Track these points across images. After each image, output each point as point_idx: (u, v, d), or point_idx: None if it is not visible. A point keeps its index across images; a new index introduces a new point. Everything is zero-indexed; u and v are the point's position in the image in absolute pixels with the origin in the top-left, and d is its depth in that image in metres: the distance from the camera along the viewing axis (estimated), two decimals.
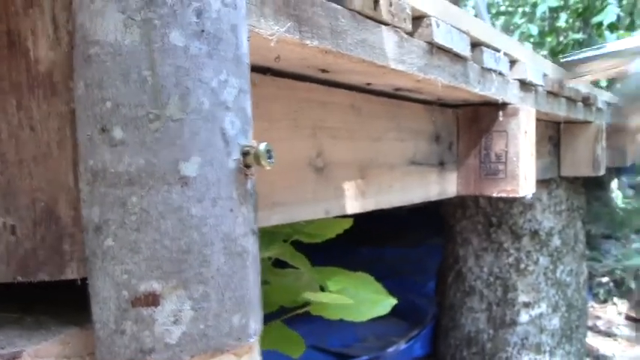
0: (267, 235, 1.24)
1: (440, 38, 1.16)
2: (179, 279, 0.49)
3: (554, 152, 2.42)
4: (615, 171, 4.50)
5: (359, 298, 1.28)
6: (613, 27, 5.70)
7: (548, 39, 6.58)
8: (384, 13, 0.98)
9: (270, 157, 0.53)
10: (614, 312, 3.85)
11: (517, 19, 7.06)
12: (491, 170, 1.58)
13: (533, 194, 1.71)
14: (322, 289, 1.31)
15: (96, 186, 0.49)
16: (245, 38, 0.56)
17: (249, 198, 0.55)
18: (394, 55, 1.03)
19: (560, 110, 2.04)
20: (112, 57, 0.49)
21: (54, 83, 0.51)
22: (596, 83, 3.54)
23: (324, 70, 1.04)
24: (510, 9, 7.69)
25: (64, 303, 0.60)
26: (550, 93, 1.93)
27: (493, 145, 1.59)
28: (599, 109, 2.57)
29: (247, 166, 0.53)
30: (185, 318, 0.49)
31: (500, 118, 1.55)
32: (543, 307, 2.44)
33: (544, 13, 6.42)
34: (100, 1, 0.48)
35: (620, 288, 3.94)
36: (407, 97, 1.42)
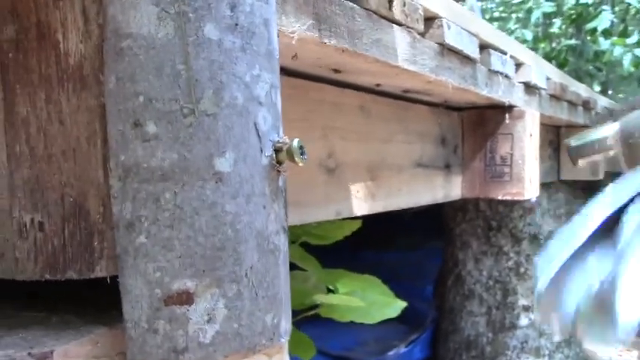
0: None
1: (451, 39, 1.16)
2: (213, 277, 0.48)
3: (554, 156, 2.43)
4: (612, 176, 4.52)
5: (368, 301, 1.27)
6: (607, 33, 5.74)
7: (542, 45, 6.61)
8: (398, 13, 0.97)
9: (302, 154, 0.52)
10: None
11: (511, 25, 7.09)
12: (497, 173, 1.58)
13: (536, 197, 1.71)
14: (330, 291, 1.30)
15: (128, 182, 0.48)
16: (275, 33, 0.55)
17: (281, 195, 0.54)
18: (407, 56, 1.03)
19: (562, 114, 2.04)
20: (145, 50, 0.48)
21: (84, 77, 0.50)
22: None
23: (336, 71, 1.03)
24: (504, 15, 7.72)
25: (87, 301, 0.59)
26: (552, 96, 1.93)
27: (498, 148, 1.59)
28: (598, 114, 2.57)
29: (279, 163, 0.52)
30: (219, 317, 0.48)
31: (507, 121, 1.55)
32: None
33: (538, 19, 6.45)
34: None
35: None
36: (413, 99, 1.42)
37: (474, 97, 1.41)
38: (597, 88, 6.07)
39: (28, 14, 0.51)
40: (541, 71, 1.75)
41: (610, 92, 6.84)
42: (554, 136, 2.41)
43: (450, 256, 2.51)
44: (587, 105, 2.30)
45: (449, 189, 1.61)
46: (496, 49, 1.45)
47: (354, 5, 0.86)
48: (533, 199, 1.63)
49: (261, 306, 0.50)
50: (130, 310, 0.48)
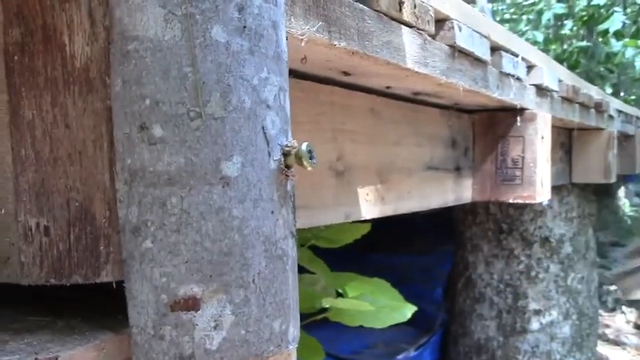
0: None
1: (462, 42, 1.15)
2: (220, 282, 0.47)
3: (565, 159, 2.40)
4: (622, 178, 4.49)
5: (377, 305, 1.26)
6: (619, 35, 5.69)
7: (553, 46, 6.57)
8: (409, 15, 0.97)
9: (312, 158, 0.51)
10: (622, 320, 3.82)
11: (522, 27, 7.05)
12: (508, 176, 1.57)
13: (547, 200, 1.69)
14: (339, 294, 1.29)
15: (134, 186, 0.47)
16: (284, 36, 0.55)
17: (289, 200, 0.53)
18: (418, 58, 1.02)
19: (574, 116, 2.02)
20: (152, 53, 0.47)
21: (90, 79, 0.50)
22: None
23: (346, 73, 1.03)
24: (515, 16, 7.68)
25: (92, 306, 0.59)
26: (564, 99, 1.91)
27: (510, 151, 1.57)
28: (610, 117, 2.55)
29: (288, 167, 0.52)
30: (226, 323, 0.47)
31: (518, 124, 1.53)
32: (554, 315, 2.41)
33: (549, 20, 6.41)
34: None
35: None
36: (424, 101, 1.41)
37: (485, 99, 1.39)
38: (609, 90, 6.02)
39: (34, 17, 0.50)
40: (553, 73, 1.73)
41: (622, 94, 6.79)
42: (565, 138, 2.39)
43: (460, 259, 2.49)
44: (599, 107, 2.28)
45: (459, 192, 1.60)
46: (507, 51, 1.43)
47: (364, 7, 0.85)
48: (545, 203, 1.62)
49: (268, 312, 0.49)
50: (135, 316, 0.48)
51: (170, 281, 0.47)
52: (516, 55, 1.48)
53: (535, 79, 1.61)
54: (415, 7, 0.99)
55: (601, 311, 3.82)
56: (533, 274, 2.40)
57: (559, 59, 5.93)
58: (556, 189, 2.42)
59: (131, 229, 0.48)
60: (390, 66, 0.95)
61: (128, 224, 0.48)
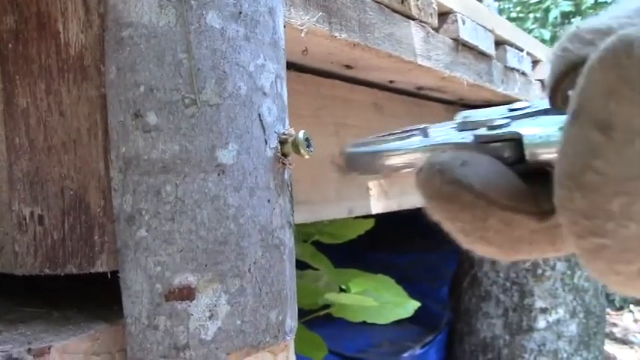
0: None
1: (466, 35, 1.14)
2: (215, 272, 0.46)
3: None
4: None
5: (381, 301, 1.25)
6: None
7: None
8: (411, 7, 0.96)
9: (309, 146, 0.51)
10: (630, 319, 3.80)
11: (529, 25, 7.02)
12: None
13: None
14: (342, 290, 1.28)
15: (128, 174, 0.47)
16: (282, 22, 0.54)
17: (286, 189, 0.52)
18: (420, 51, 1.01)
19: None
20: (146, 39, 0.46)
21: (85, 67, 0.49)
22: None
23: (348, 67, 1.02)
24: (522, 15, 7.65)
25: (89, 297, 0.58)
26: None
27: None
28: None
29: (285, 155, 0.51)
30: (221, 313, 0.47)
31: None
32: (561, 313, 2.40)
33: (556, 18, 6.39)
34: None
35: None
36: (428, 96, 1.40)
37: (489, 94, 1.38)
38: None
39: (27, 4, 0.50)
40: None
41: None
42: None
43: (465, 257, 2.48)
44: None
45: None
46: (512, 45, 1.42)
47: None
48: None
49: (265, 302, 0.49)
50: (130, 306, 0.47)
51: (165, 270, 0.46)
52: (521, 50, 1.47)
53: (541, 74, 1.60)
54: None
55: (608, 310, 3.80)
56: (539, 272, 2.38)
57: None
58: None
59: (126, 218, 0.47)
60: (393, 59, 0.94)
61: (123, 213, 0.47)
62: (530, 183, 0.31)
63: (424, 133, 0.41)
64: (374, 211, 1.17)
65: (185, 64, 0.46)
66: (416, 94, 1.35)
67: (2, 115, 0.50)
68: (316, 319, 1.28)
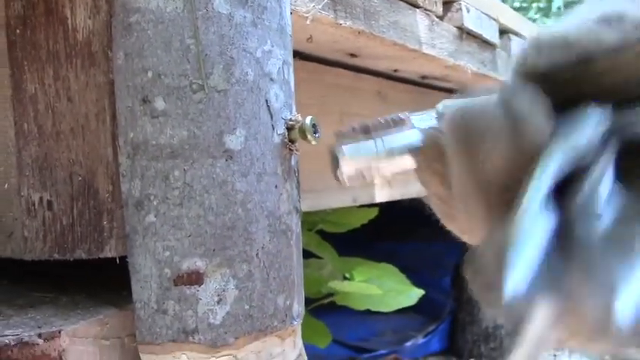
0: None
1: (470, 23, 1.13)
2: (223, 257, 0.47)
3: None
4: None
5: (384, 289, 1.25)
6: None
7: None
8: None
9: (316, 132, 0.51)
10: None
11: (532, 14, 6.99)
12: None
13: None
14: (346, 279, 1.28)
15: (137, 159, 0.47)
16: (288, 9, 0.54)
17: (293, 174, 0.52)
18: (425, 39, 1.00)
19: None
20: (154, 25, 0.47)
21: (92, 53, 0.49)
22: None
23: (353, 55, 1.02)
24: (525, 4, 7.62)
25: (97, 283, 0.59)
26: None
27: None
28: None
29: (292, 141, 0.51)
30: (229, 298, 0.47)
31: None
32: None
33: (559, 8, 6.36)
34: None
35: None
36: (432, 85, 1.40)
37: (493, 83, 1.38)
38: None
39: None
40: None
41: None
42: None
43: (469, 246, 2.48)
44: None
45: None
46: (516, 34, 1.42)
47: None
48: None
49: (272, 287, 0.49)
50: (139, 290, 0.48)
51: (173, 255, 0.46)
52: (525, 39, 1.47)
53: None
54: None
55: None
56: None
57: None
58: None
59: (134, 204, 0.47)
60: (397, 47, 0.94)
61: (131, 198, 0.48)
62: None
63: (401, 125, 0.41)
64: (378, 200, 1.18)
65: (193, 49, 0.46)
66: (420, 83, 1.35)
67: (11, 100, 0.50)
68: (320, 308, 1.29)
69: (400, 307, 1.25)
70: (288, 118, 0.51)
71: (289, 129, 0.51)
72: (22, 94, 0.50)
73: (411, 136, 0.41)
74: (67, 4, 0.49)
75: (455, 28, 1.11)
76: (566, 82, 0.28)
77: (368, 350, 2.12)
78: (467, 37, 1.16)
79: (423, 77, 1.29)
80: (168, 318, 0.47)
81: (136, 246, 0.47)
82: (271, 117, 0.49)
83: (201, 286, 0.46)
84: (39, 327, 0.46)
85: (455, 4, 1.11)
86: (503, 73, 1.33)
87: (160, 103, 0.46)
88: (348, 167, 0.42)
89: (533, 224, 0.24)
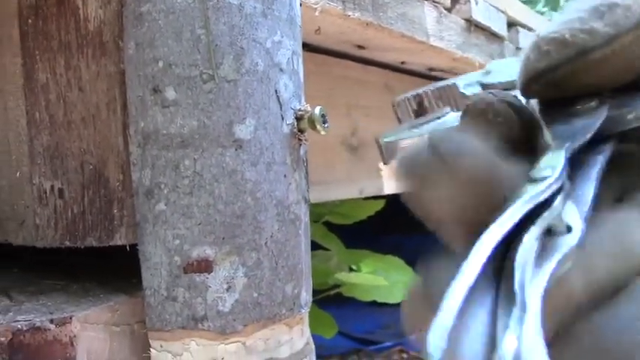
0: None
1: (478, 16, 1.13)
2: (232, 245, 0.47)
3: None
4: None
5: (391, 281, 1.26)
6: None
7: None
8: None
9: (325, 122, 0.51)
10: None
11: (540, 7, 6.95)
12: None
13: None
14: (352, 271, 1.29)
15: (147, 148, 0.47)
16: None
17: (302, 164, 0.53)
18: (433, 31, 1.01)
19: None
20: (165, 15, 0.47)
21: (103, 43, 0.50)
22: None
23: (361, 47, 1.02)
24: None
25: (107, 270, 0.59)
26: None
27: None
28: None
29: (301, 131, 0.51)
30: (238, 285, 0.47)
31: None
32: None
33: (567, 0, 6.32)
34: None
35: None
36: (439, 78, 1.40)
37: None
38: None
39: None
40: None
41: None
42: None
43: None
44: None
45: None
46: (524, 26, 1.42)
47: None
48: None
49: (281, 276, 0.49)
50: (149, 278, 0.48)
51: (183, 243, 0.47)
52: (533, 31, 1.46)
53: None
54: None
55: None
56: None
57: None
58: None
59: (144, 192, 0.48)
60: (405, 39, 0.94)
61: (141, 187, 0.48)
62: None
63: (453, 99, 0.42)
64: (385, 192, 1.18)
65: (203, 39, 0.47)
66: (427, 76, 1.35)
67: (22, 90, 0.51)
68: (326, 299, 1.29)
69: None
70: (297, 108, 0.52)
71: (298, 119, 0.51)
72: (34, 83, 0.51)
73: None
74: None
75: (463, 21, 1.11)
76: (566, 78, 0.28)
77: (373, 342, 2.13)
78: (475, 30, 1.16)
79: (431, 69, 1.29)
80: (177, 305, 0.47)
81: (147, 234, 0.48)
82: (280, 107, 0.50)
83: (211, 273, 0.47)
84: (50, 313, 0.47)
85: None
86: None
87: (170, 93, 0.47)
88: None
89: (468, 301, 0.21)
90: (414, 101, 0.50)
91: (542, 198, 0.22)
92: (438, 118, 0.42)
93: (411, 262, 1.66)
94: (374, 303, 1.49)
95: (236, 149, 0.47)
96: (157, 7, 0.47)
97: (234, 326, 0.47)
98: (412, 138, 0.42)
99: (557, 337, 0.22)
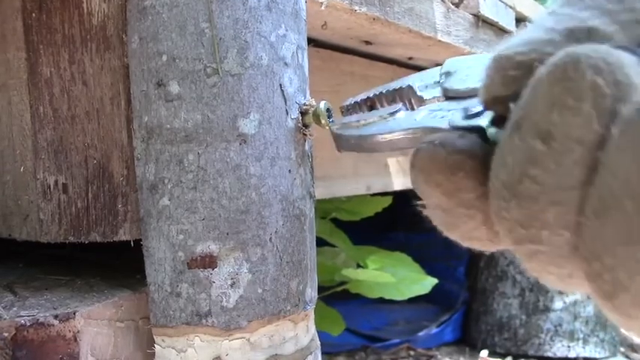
0: None
1: (486, 11, 1.12)
2: (237, 240, 0.47)
3: None
4: None
5: (398, 277, 1.25)
6: None
7: None
8: None
9: (330, 117, 0.51)
10: None
11: (548, 3, 6.92)
12: None
13: None
14: (360, 267, 1.28)
15: (151, 143, 0.47)
16: None
17: (307, 159, 0.52)
18: (441, 26, 1.00)
19: None
20: (169, 8, 0.47)
21: (107, 37, 0.49)
22: None
23: (367, 42, 1.01)
24: None
25: (111, 266, 0.59)
26: None
27: None
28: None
29: (306, 126, 0.51)
30: (242, 281, 0.47)
31: None
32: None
33: None
34: None
35: None
36: None
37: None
38: None
39: None
40: None
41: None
42: None
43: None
44: None
45: None
46: None
47: None
48: None
49: (285, 271, 0.49)
50: (153, 273, 0.48)
51: (187, 238, 0.47)
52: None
53: None
54: None
55: None
56: None
57: None
58: None
59: (148, 187, 0.48)
60: (412, 34, 0.93)
61: (145, 182, 0.48)
62: None
63: (408, 101, 0.43)
64: (391, 189, 1.17)
65: (207, 33, 0.46)
66: None
67: (26, 84, 0.51)
68: (333, 296, 1.29)
69: (414, 295, 1.24)
70: (302, 102, 0.51)
71: (303, 113, 0.51)
72: (38, 77, 0.50)
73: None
74: None
75: (471, 16, 1.10)
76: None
77: (381, 339, 2.12)
78: (483, 25, 1.15)
79: (438, 65, 1.28)
80: (181, 301, 0.47)
81: (150, 229, 0.48)
82: (285, 101, 0.49)
83: (215, 269, 0.46)
84: (54, 308, 0.46)
85: None
86: None
87: (174, 87, 0.46)
88: (378, 142, 0.44)
89: None
90: (365, 105, 0.50)
91: None
92: (391, 114, 0.43)
93: (418, 258, 1.66)
94: (381, 300, 1.49)
95: (240, 144, 0.47)
96: (160, 1, 0.47)
97: (238, 322, 0.47)
98: (392, 134, 0.43)
99: None
